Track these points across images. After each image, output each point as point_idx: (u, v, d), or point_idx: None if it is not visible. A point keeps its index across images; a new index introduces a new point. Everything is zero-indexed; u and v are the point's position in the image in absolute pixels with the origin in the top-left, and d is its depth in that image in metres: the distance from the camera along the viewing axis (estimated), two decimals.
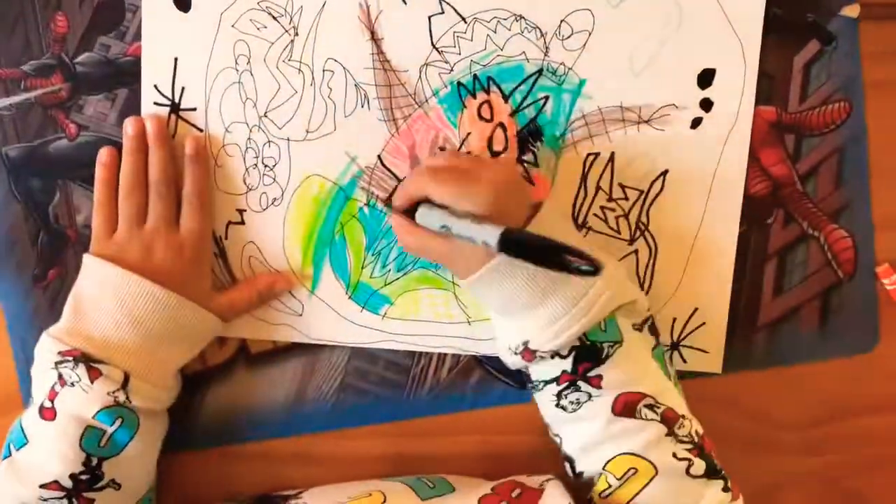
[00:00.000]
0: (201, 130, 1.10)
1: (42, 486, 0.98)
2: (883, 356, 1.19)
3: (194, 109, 1.10)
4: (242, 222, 1.11)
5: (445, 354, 1.15)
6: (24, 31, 1.08)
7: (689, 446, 1.00)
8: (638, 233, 1.13)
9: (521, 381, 1.15)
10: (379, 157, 1.11)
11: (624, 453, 1.00)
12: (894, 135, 1.16)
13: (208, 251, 1.10)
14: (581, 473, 1.04)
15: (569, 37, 1.10)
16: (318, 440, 1.15)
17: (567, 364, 1.01)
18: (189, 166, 1.08)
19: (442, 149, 1.11)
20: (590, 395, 1.01)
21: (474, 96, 1.11)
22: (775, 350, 1.17)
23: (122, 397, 1.00)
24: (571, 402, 1.02)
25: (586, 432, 1.02)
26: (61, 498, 0.99)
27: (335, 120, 1.10)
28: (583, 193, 1.12)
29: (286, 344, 1.14)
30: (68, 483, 0.99)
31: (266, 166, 1.10)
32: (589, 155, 1.12)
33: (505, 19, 1.09)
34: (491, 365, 1.16)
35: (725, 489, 1.01)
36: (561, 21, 1.09)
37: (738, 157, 1.13)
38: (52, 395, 0.99)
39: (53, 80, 1.09)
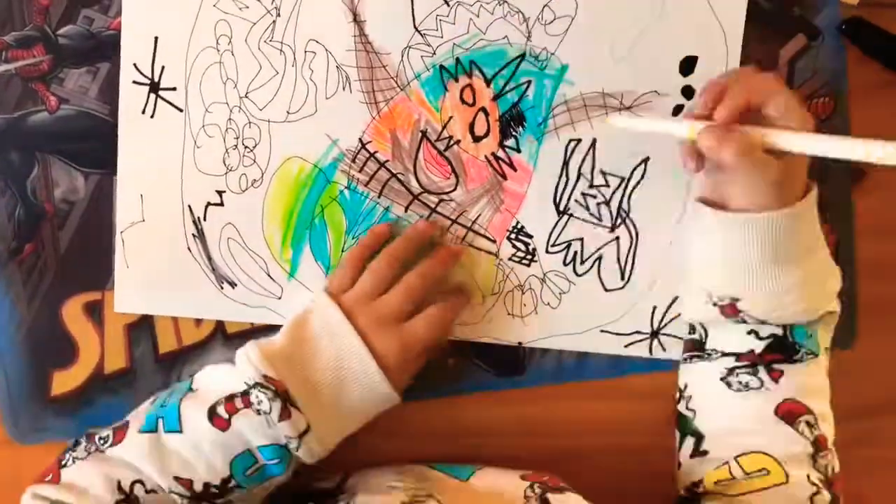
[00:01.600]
0: (181, 111, 1.09)
1: (176, 479, 0.98)
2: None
3: (174, 89, 1.09)
4: (222, 203, 1.11)
5: None
6: (6, 0, 1.08)
7: (823, 477, 1.00)
8: (619, 220, 1.13)
9: (499, 367, 1.16)
10: (360, 139, 1.11)
11: (764, 453, 1.00)
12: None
13: (423, 355, 1.09)
14: (705, 452, 1.04)
15: (551, 22, 1.09)
16: None
17: (759, 345, 1.02)
18: (455, 295, 1.12)
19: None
20: (762, 384, 1.01)
21: (456, 80, 1.10)
22: None
23: (293, 444, 0.99)
24: (740, 383, 1.02)
25: (738, 419, 1.03)
26: (186, 497, 0.99)
27: (316, 102, 1.10)
28: (564, 179, 1.12)
29: (262, 323, 1.13)
30: (199, 487, 0.99)
31: (246, 147, 1.10)
32: (570, 141, 1.12)
33: (488, 3, 1.09)
34: (469, 351, 1.15)
35: None
36: (544, 6, 1.09)
37: None
38: (231, 409, 0.99)
39: (35, 52, 1.08)
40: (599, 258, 1.13)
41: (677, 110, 1.11)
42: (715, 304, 1.02)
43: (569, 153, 1.12)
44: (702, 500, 1.03)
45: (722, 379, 1.03)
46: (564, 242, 1.13)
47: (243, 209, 1.11)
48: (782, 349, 1.01)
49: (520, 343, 1.14)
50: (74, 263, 1.11)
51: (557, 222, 1.13)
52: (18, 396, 1.12)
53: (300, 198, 1.11)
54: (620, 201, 1.12)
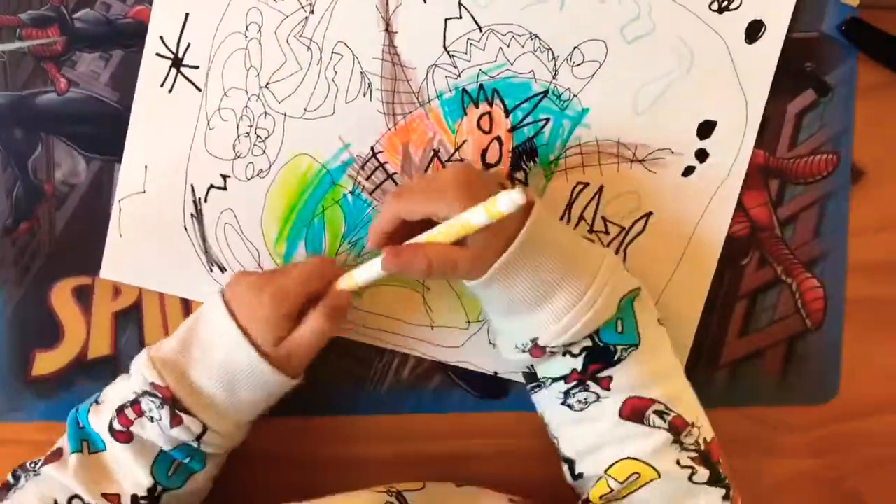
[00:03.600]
0: (199, 90, 1.09)
1: (104, 495, 1.00)
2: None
3: (196, 67, 1.09)
4: (225, 188, 1.11)
5: (408, 355, 1.16)
6: None
7: (694, 454, 1.00)
8: None
9: (482, 390, 1.17)
10: (372, 147, 1.11)
11: (627, 458, 1.00)
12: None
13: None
14: (581, 475, 1.05)
15: (579, 64, 1.10)
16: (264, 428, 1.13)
17: (577, 363, 1.00)
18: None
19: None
20: (598, 396, 1.01)
21: (477, 106, 1.10)
22: (734, 390, 1.19)
23: (194, 444, 1.01)
24: (579, 402, 1.02)
25: (590, 433, 1.03)
26: None
27: (335, 104, 1.10)
28: (565, 220, 1.13)
29: None
30: (127, 502, 1.01)
31: (258, 137, 1.10)
32: (578, 184, 1.12)
33: (520, 35, 1.09)
34: (452, 371, 1.16)
35: (726, 497, 1.01)
36: (574, 48, 1.09)
37: (723, 211, 1.14)
38: (125, 422, 1.00)
39: (49, 33, 1.08)
40: None
41: (688, 171, 1.12)
42: (524, 351, 1.02)
43: (574, 195, 1.12)
44: None
45: (563, 403, 1.03)
46: None
47: (245, 197, 1.11)
48: (599, 357, 1.00)
49: (496, 373, 1.16)
50: (68, 246, 1.12)
51: None
52: None
53: (303, 195, 1.12)
54: (617, 250, 1.13)
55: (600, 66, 1.10)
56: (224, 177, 1.11)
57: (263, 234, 1.12)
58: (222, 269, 1.12)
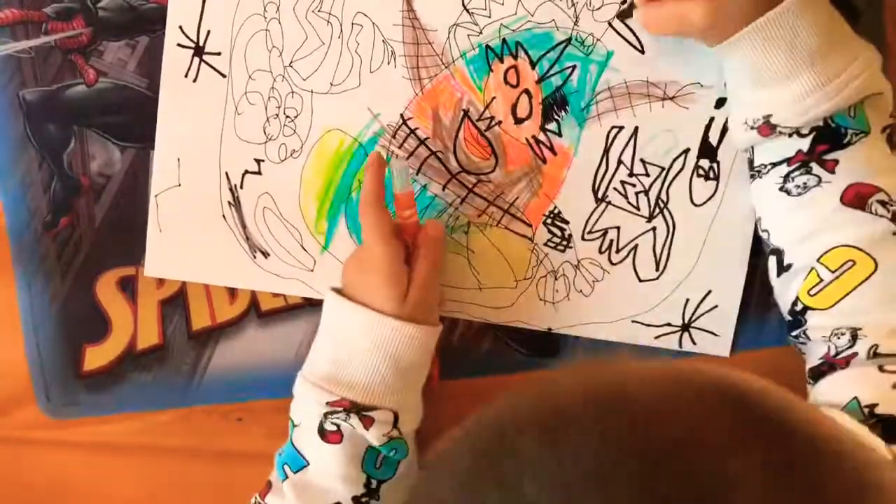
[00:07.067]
0: (224, 76, 1.09)
1: None
2: None
3: (219, 54, 1.09)
4: (259, 172, 1.10)
5: (457, 319, 1.14)
6: None
7: None
8: (657, 210, 1.12)
9: (533, 348, 1.16)
10: (402, 115, 1.10)
11: (844, 245, 0.97)
12: None
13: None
14: (789, 266, 1.02)
15: (599, 8, 1.09)
16: None
17: (805, 143, 0.98)
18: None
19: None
20: (819, 180, 0.98)
21: (501, 61, 1.10)
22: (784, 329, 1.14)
23: (395, 433, 1.01)
24: (798, 186, 0.99)
25: (807, 220, 1.00)
26: None
27: (360, 75, 1.09)
28: (604, 166, 1.11)
29: (296, 302, 1.13)
30: None
31: (287, 117, 1.09)
32: (612, 128, 1.11)
33: None
34: (503, 332, 1.15)
35: None
36: None
37: None
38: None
39: (75, 24, 1.08)
40: (635, 248, 1.13)
41: (721, 103, 1.10)
42: (752, 128, 1.01)
43: (610, 140, 1.11)
44: (806, 314, 1.01)
45: (780, 189, 1.01)
46: (601, 230, 1.12)
47: (281, 179, 1.11)
48: (829, 137, 0.98)
49: (549, 329, 1.14)
50: (109, 238, 1.12)
51: (595, 209, 1.12)
52: (51, 371, 1.13)
53: (338, 171, 1.11)
54: (659, 192, 1.12)
55: (620, 6, 1.09)
56: (258, 161, 1.10)
57: (303, 215, 1.12)
58: (265, 255, 1.12)
